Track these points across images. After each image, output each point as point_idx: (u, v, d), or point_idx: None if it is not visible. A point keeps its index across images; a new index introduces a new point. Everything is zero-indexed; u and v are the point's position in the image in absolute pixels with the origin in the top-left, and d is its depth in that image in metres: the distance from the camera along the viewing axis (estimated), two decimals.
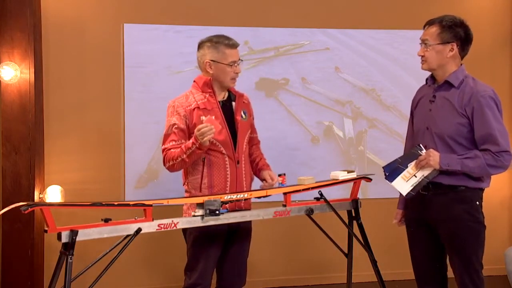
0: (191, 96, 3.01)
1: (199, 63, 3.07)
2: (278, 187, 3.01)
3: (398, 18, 4.57)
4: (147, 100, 4.24)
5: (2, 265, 3.93)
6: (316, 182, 3.01)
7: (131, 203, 2.63)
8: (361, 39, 4.55)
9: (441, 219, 2.82)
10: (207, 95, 3.00)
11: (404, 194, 2.84)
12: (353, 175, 3.11)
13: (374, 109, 4.59)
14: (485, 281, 2.84)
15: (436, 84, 2.90)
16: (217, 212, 2.69)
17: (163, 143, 2.99)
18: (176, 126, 2.96)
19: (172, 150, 2.93)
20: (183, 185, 3.08)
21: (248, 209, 3.04)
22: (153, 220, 2.64)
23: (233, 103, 3.09)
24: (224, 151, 2.97)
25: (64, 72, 4.15)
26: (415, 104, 3.03)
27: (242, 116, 3.08)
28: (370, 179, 3.20)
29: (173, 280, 4.10)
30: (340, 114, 4.56)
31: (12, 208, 2.52)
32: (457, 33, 2.81)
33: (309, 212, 2.97)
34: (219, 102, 3.03)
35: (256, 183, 3.19)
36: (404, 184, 2.83)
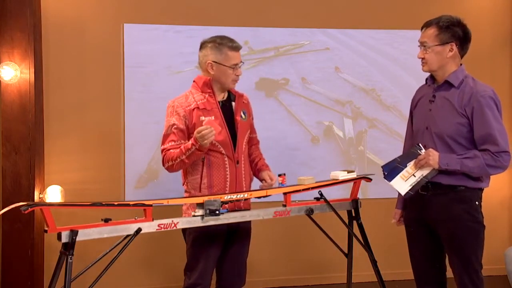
0: (190, 96, 3.01)
1: (200, 63, 3.07)
2: (278, 187, 3.01)
3: (398, 18, 4.57)
4: (147, 100, 4.24)
5: (2, 265, 3.93)
6: (316, 182, 3.01)
7: (131, 203, 2.63)
8: (361, 39, 4.55)
9: (440, 219, 2.82)
10: (207, 95, 3.00)
11: (402, 193, 2.84)
12: (353, 175, 3.11)
13: (374, 109, 4.59)
14: (485, 281, 2.84)
15: (436, 84, 2.90)
16: (217, 212, 2.69)
17: (162, 143, 2.99)
18: (175, 126, 2.95)
19: (171, 150, 2.93)
20: (183, 185, 3.08)
21: (248, 209, 3.04)
22: (153, 220, 2.64)
23: (233, 103, 3.09)
24: (223, 151, 2.97)
25: (64, 72, 4.15)
26: (415, 104, 3.03)
27: (241, 116, 3.08)
28: (370, 179, 3.20)
29: (173, 280, 4.10)
30: (340, 114, 4.56)
31: (12, 208, 2.52)
32: (455, 32, 2.81)
33: (309, 212, 2.97)
34: (218, 102, 3.03)
35: (256, 183, 3.19)
36: (403, 183, 2.83)
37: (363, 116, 4.58)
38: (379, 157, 4.54)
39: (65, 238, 2.42)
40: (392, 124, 4.60)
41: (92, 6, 4.18)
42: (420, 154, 2.80)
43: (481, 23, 4.59)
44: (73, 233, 2.43)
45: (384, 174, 2.87)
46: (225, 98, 3.08)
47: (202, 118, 2.93)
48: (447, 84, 2.84)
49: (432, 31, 2.82)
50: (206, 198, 2.71)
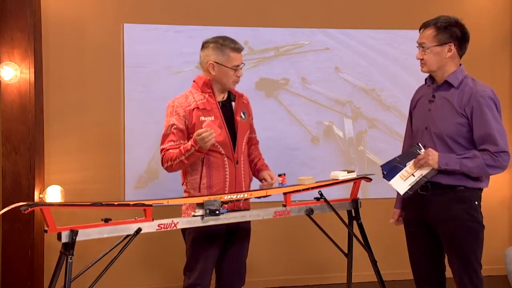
0: (190, 96, 3.01)
1: (201, 63, 3.07)
2: (278, 187, 3.01)
3: (398, 18, 4.57)
4: (147, 100, 4.24)
5: (2, 265, 3.93)
6: (316, 182, 3.01)
7: (131, 203, 2.63)
8: (361, 39, 4.55)
9: (440, 219, 2.82)
10: (207, 96, 3.00)
11: (401, 193, 2.84)
12: (353, 175, 3.11)
13: (374, 109, 4.59)
14: (485, 281, 2.84)
15: (435, 84, 2.90)
16: (217, 212, 2.69)
17: (162, 143, 2.99)
18: (175, 126, 2.95)
19: (170, 150, 2.93)
20: (182, 185, 3.08)
21: (247, 209, 3.04)
22: (153, 220, 2.64)
23: (233, 104, 3.09)
24: (223, 152, 2.97)
25: (64, 72, 4.15)
26: (414, 104, 3.03)
27: (241, 117, 3.08)
28: (370, 179, 3.20)
29: (173, 280, 4.10)
30: (340, 114, 4.56)
31: (12, 208, 2.52)
32: (453, 33, 2.81)
33: (309, 212, 2.97)
34: (218, 102, 3.03)
35: (255, 183, 3.19)
36: (402, 183, 2.83)
37: (363, 116, 4.58)
38: (379, 157, 4.54)
39: (65, 238, 2.42)
40: (392, 124, 4.60)
41: (92, 6, 4.18)
42: (419, 154, 2.80)
43: (481, 23, 4.59)
44: (73, 233, 2.43)
45: (383, 173, 2.87)
46: (225, 98, 3.08)
47: (202, 118, 2.93)
48: (447, 84, 2.84)
49: (430, 31, 2.82)
50: (206, 198, 2.71)
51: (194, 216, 2.72)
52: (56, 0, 4.11)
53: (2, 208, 2.90)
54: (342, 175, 3.06)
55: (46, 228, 2.42)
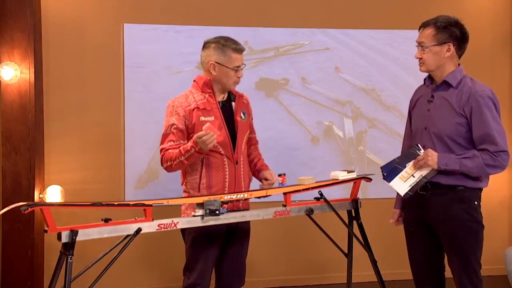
0: (190, 96, 3.01)
1: (202, 63, 3.06)
2: (278, 187, 3.01)
3: (398, 18, 4.57)
4: (147, 100, 4.24)
5: (2, 265, 3.93)
6: (316, 182, 3.01)
7: (131, 203, 2.64)
8: (361, 39, 4.55)
9: (439, 219, 2.82)
10: (207, 96, 3.00)
11: (402, 194, 2.84)
12: (353, 175, 3.11)
13: (374, 109, 4.59)
14: (485, 281, 2.84)
15: (434, 84, 2.90)
16: (217, 212, 2.69)
17: (161, 143, 2.99)
18: (175, 126, 2.95)
19: (170, 150, 2.93)
20: (182, 185, 3.08)
21: (247, 209, 3.04)
22: (153, 220, 2.64)
23: (233, 104, 3.09)
24: (223, 152, 2.97)
25: (64, 72, 4.15)
26: (413, 104, 3.03)
27: (241, 117, 3.08)
28: (370, 179, 3.20)
29: (173, 280, 4.09)
30: (340, 114, 4.56)
31: (12, 208, 2.52)
32: (452, 32, 2.81)
33: (309, 212, 2.97)
34: (218, 102, 3.02)
35: (255, 183, 3.19)
36: (402, 184, 2.83)
37: (363, 116, 4.58)
38: (379, 157, 4.54)
39: (65, 238, 2.43)
40: (392, 124, 4.60)
41: (92, 6, 4.18)
42: (419, 155, 2.80)
43: (481, 23, 4.59)
44: (73, 233, 2.43)
45: (383, 175, 2.87)
46: (225, 99, 3.08)
47: (202, 118, 2.93)
48: (446, 84, 2.84)
49: (429, 31, 2.82)
50: (206, 198, 2.71)
51: (194, 216, 2.72)
52: (56, 0, 4.11)
53: (2, 208, 2.90)
54: (342, 175, 3.06)
55: (46, 228, 2.42)
